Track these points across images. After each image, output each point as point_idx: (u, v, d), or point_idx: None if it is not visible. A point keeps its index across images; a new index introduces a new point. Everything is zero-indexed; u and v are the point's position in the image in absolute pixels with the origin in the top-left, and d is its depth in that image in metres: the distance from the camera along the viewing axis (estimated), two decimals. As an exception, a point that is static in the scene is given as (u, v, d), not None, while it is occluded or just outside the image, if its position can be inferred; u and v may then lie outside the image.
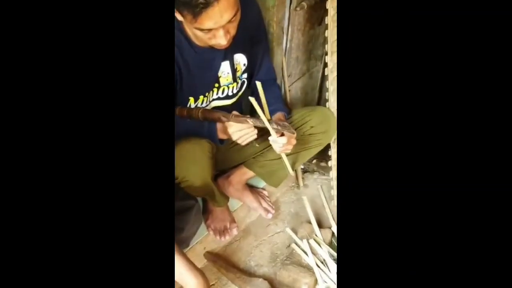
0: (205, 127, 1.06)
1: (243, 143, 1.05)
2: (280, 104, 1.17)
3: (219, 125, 1.06)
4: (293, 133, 1.01)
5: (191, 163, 1.02)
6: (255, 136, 1.04)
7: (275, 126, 1.00)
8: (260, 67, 1.19)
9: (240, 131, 1.01)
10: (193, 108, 1.09)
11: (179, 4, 0.88)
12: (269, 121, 0.99)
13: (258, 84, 0.97)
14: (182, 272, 0.88)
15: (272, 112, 1.09)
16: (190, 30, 0.99)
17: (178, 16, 0.92)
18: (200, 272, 0.88)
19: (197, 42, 1.05)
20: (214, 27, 0.91)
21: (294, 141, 1.06)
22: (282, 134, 1.01)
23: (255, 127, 1.03)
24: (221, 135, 1.06)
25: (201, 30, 0.92)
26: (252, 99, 0.97)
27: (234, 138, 1.02)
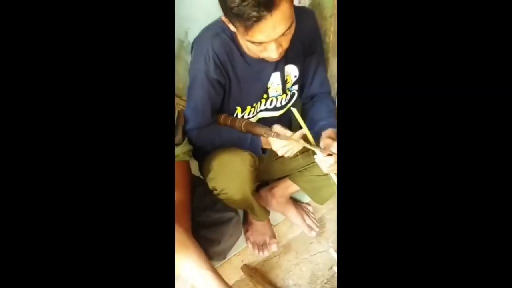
0: (248, 138, 1.03)
1: (287, 155, 1.01)
2: (332, 119, 1.11)
3: (263, 138, 1.02)
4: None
5: (231, 176, 0.99)
6: (298, 149, 1.00)
7: (318, 147, 0.95)
8: (313, 80, 1.15)
9: (284, 147, 0.98)
10: (237, 119, 1.08)
11: (231, 16, 0.87)
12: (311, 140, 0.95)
13: (294, 111, 0.94)
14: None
15: (323, 127, 1.04)
16: (243, 42, 0.98)
17: (231, 26, 0.91)
18: None
19: (249, 53, 1.03)
20: (265, 40, 0.90)
21: None
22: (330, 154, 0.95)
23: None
24: (265, 146, 1.03)
25: (253, 42, 0.91)
26: (294, 110, 0.92)
27: (279, 153, 0.99)
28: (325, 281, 1.18)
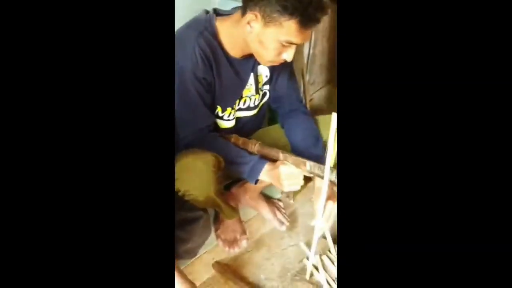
0: (249, 164, 1.03)
1: (286, 189, 1.01)
2: (317, 141, 1.12)
3: (268, 166, 1.01)
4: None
5: (193, 178, 0.99)
6: (299, 187, 0.99)
7: (335, 179, 0.91)
8: (277, 80, 1.16)
9: (291, 174, 0.97)
10: (250, 140, 1.08)
11: (291, 12, 0.88)
12: (331, 168, 0.90)
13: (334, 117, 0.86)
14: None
15: (313, 158, 1.01)
16: (238, 38, 0.99)
17: (252, 23, 0.92)
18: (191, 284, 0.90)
19: (232, 54, 1.04)
20: (300, 43, 0.95)
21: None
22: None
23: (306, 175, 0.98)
24: (264, 176, 1.02)
25: (287, 42, 0.94)
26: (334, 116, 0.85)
27: (282, 177, 0.98)
28: (295, 273, 1.19)
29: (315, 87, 1.47)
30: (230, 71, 1.06)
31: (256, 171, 1.01)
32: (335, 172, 0.90)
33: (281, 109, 1.20)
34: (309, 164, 0.95)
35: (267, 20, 0.91)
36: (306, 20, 0.90)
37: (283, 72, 1.16)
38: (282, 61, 1.00)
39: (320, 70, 1.50)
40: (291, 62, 1.18)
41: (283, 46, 0.96)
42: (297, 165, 0.97)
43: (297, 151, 1.10)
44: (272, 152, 1.03)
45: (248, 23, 0.93)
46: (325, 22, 1.35)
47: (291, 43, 0.95)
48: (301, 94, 1.38)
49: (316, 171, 0.94)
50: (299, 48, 1.30)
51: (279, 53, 0.97)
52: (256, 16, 0.91)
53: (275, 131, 1.22)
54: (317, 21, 0.92)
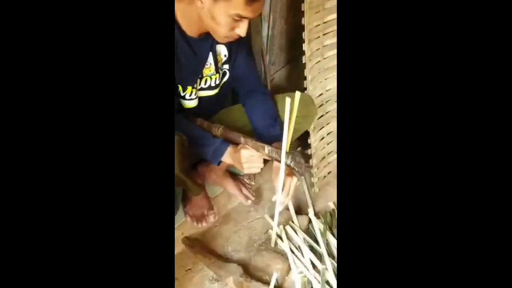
0: (212, 146, 1.08)
1: (246, 171, 1.07)
2: (275, 120, 1.18)
3: (230, 149, 1.07)
4: (301, 176, 1.03)
5: None
6: (260, 169, 1.05)
7: (291, 163, 0.99)
8: (235, 60, 1.21)
9: (251, 157, 1.03)
10: (214, 124, 1.13)
11: None
12: (287, 153, 0.98)
13: (297, 96, 0.96)
14: None
15: (272, 138, 1.10)
16: (194, 14, 1.01)
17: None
18: None
19: (189, 33, 1.07)
20: (251, 17, 0.98)
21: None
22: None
23: (266, 158, 1.04)
24: (226, 159, 1.08)
25: (237, 17, 0.96)
26: (297, 95, 0.96)
27: (242, 161, 1.04)
28: (261, 243, 1.28)
29: (275, 67, 1.54)
30: (188, 50, 1.09)
31: (218, 153, 1.07)
32: (290, 156, 0.99)
33: (241, 89, 1.26)
34: (267, 148, 1.02)
35: None
36: None
37: (241, 52, 1.21)
38: (236, 36, 1.03)
39: (280, 51, 1.55)
40: (249, 43, 1.23)
41: (235, 20, 0.99)
42: (256, 149, 1.04)
43: (257, 131, 1.17)
44: (234, 136, 1.09)
45: None
46: (282, 3, 1.40)
47: (242, 17, 0.98)
48: (262, 75, 1.44)
49: (274, 155, 1.01)
50: (257, 29, 1.36)
51: (232, 28, 1.01)
52: None
53: (238, 110, 1.28)
54: None
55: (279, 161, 0.99)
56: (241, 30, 1.01)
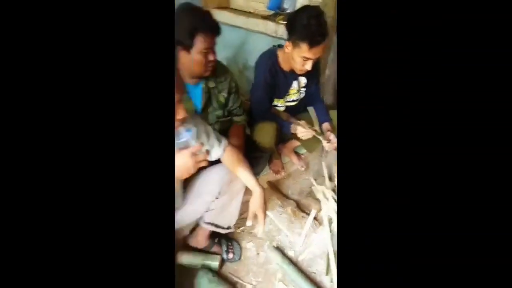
0: (285, 125, 1.60)
1: (302, 138, 1.58)
2: (327, 115, 1.72)
3: (293, 125, 1.58)
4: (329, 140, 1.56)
5: (264, 134, 1.55)
6: (310, 136, 1.55)
7: (322, 136, 1.52)
8: (312, 86, 1.78)
9: (302, 132, 1.54)
10: (282, 112, 1.69)
11: (302, 38, 1.31)
12: (316, 131, 1.53)
13: (310, 111, 1.54)
14: (250, 178, 1.11)
15: (323, 121, 1.66)
16: (287, 58, 1.48)
17: (289, 47, 1.41)
18: (261, 186, 1.14)
19: (283, 67, 1.58)
20: (312, 57, 1.38)
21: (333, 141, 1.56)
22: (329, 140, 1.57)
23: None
24: (293, 130, 1.59)
25: (304, 57, 1.37)
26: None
27: (299, 135, 1.55)
28: (307, 192, 1.82)
29: (327, 96, 2.05)
30: (283, 78, 1.61)
31: (287, 128, 1.57)
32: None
33: (311, 101, 1.83)
34: (311, 129, 1.50)
35: (293, 45, 1.37)
36: (313, 42, 1.30)
37: (314, 82, 1.80)
38: (306, 70, 1.44)
39: (333, 85, 2.13)
40: (318, 78, 1.82)
41: (304, 60, 1.38)
42: (304, 126, 1.53)
43: (320, 120, 1.71)
44: (294, 120, 1.59)
45: (286, 47, 1.42)
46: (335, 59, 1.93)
47: (308, 58, 1.36)
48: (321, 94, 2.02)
49: (308, 129, 1.49)
50: (324, 67, 1.93)
51: (303, 65, 1.41)
52: (288, 44, 1.41)
53: (307, 116, 1.89)
54: (319, 42, 1.30)
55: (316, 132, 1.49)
56: (308, 66, 1.41)
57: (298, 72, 1.54)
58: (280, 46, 1.59)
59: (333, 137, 1.55)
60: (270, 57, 1.57)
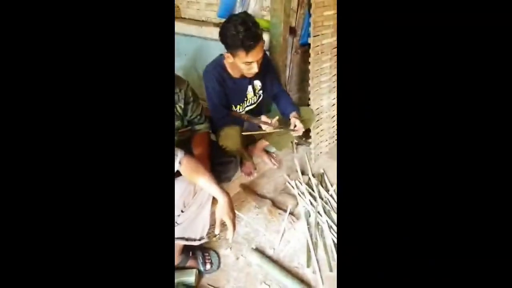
0: (250, 123, 1.62)
1: (267, 130, 1.55)
2: (293, 106, 1.69)
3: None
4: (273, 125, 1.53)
5: (229, 139, 1.56)
6: (273, 128, 1.53)
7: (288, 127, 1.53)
8: (272, 86, 1.78)
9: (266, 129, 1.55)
10: (243, 114, 1.65)
11: (235, 47, 1.32)
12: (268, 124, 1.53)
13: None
14: (212, 186, 1.08)
15: (289, 112, 1.62)
16: (234, 66, 1.48)
17: (229, 58, 1.42)
18: (227, 193, 1.12)
19: (233, 75, 1.58)
20: (254, 60, 1.39)
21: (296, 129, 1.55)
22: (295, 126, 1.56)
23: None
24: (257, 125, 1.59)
25: (246, 63, 1.38)
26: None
27: (264, 127, 1.54)
28: (281, 189, 1.84)
29: (292, 93, 2.01)
30: (234, 85, 1.59)
31: (253, 124, 1.56)
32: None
33: (275, 97, 1.79)
34: (274, 123, 1.48)
35: (232, 54, 1.37)
36: (247, 48, 1.31)
37: (273, 82, 1.79)
38: (254, 73, 1.45)
39: (295, 83, 2.09)
40: (278, 77, 1.80)
41: (247, 64, 1.39)
42: (268, 125, 1.51)
43: (284, 112, 1.66)
44: (255, 120, 1.54)
45: (228, 57, 1.43)
46: (297, 57, 1.94)
47: (250, 62, 1.38)
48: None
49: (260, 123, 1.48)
50: (284, 70, 1.94)
51: (249, 69, 1.42)
52: (227, 55, 1.41)
53: (271, 115, 1.81)
54: (253, 46, 1.31)
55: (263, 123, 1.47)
56: (254, 69, 1.41)
57: (249, 77, 1.54)
58: (221, 55, 1.59)
59: (298, 123, 1.52)
60: (215, 67, 1.57)
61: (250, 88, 1.69)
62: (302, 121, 1.61)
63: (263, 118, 1.51)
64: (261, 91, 1.77)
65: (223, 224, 1.10)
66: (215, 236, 1.51)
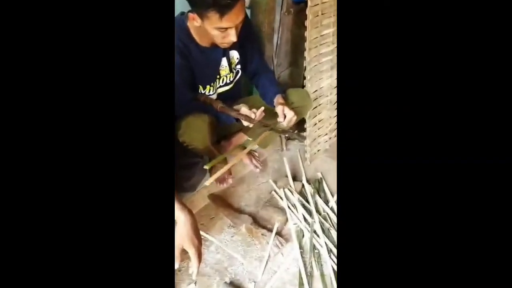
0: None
1: (250, 126, 1.32)
2: (276, 87, 1.44)
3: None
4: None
5: (193, 132, 1.29)
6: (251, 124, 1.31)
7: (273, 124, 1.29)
8: (252, 60, 1.46)
9: (246, 113, 1.27)
10: (215, 100, 1.34)
11: (206, 6, 1.06)
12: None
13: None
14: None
15: (273, 96, 1.36)
16: (202, 31, 1.20)
17: (196, 20, 1.14)
18: (189, 210, 1.03)
19: (201, 43, 1.28)
20: (231, 26, 1.14)
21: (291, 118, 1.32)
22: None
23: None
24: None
25: (220, 29, 1.13)
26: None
27: (245, 122, 1.30)
28: (266, 201, 1.57)
29: (281, 68, 1.79)
30: (202, 57, 1.31)
31: (227, 116, 1.31)
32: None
33: (256, 77, 1.50)
34: (257, 116, 1.25)
35: (200, 17, 1.13)
36: (222, 9, 1.08)
37: (255, 55, 1.46)
38: (231, 42, 1.20)
39: (285, 56, 1.80)
40: (261, 47, 1.49)
41: (222, 31, 1.14)
42: (249, 121, 1.27)
43: (267, 96, 1.42)
44: (231, 112, 1.29)
45: (193, 20, 1.17)
46: (289, 19, 1.66)
47: (225, 28, 1.13)
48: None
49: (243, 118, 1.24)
50: (269, 38, 1.62)
51: (223, 37, 1.17)
52: (193, 16, 1.15)
53: (254, 99, 1.55)
54: (230, 6, 1.07)
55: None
56: (232, 36, 1.16)
57: (222, 46, 1.29)
58: (183, 13, 1.32)
59: (288, 111, 1.30)
60: (175, 31, 1.27)
61: (224, 61, 1.40)
62: (293, 109, 1.37)
63: (243, 109, 1.28)
64: (239, 66, 1.48)
65: (183, 253, 1.01)
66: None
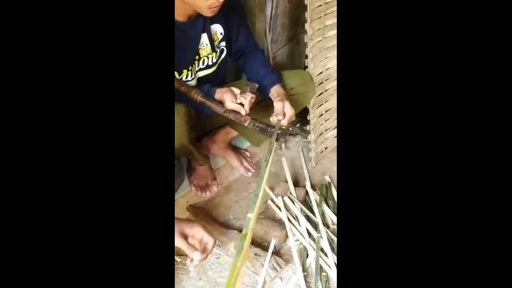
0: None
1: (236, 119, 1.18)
2: (271, 74, 1.26)
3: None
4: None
5: None
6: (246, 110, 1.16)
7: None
8: (238, 35, 1.27)
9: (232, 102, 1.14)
10: (193, 89, 1.19)
11: None
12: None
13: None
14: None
15: (268, 86, 1.19)
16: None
17: None
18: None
19: (177, 18, 1.12)
20: None
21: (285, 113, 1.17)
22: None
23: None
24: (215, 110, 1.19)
25: None
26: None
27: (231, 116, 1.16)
28: (260, 212, 1.36)
29: (277, 46, 1.63)
30: (180, 37, 1.14)
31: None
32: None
33: (242, 57, 1.33)
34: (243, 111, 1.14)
35: None
36: None
37: (242, 30, 1.27)
38: (218, 3, 1.07)
39: (282, 29, 1.65)
40: (245, 21, 1.32)
41: None
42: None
43: (257, 78, 1.25)
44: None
45: None
46: None
47: None
48: (265, 52, 1.52)
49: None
50: (261, 7, 1.43)
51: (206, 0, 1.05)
52: None
53: (240, 85, 1.34)
54: None
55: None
56: None
57: (207, 13, 1.12)
58: None
59: (288, 110, 1.16)
60: None
61: (204, 37, 1.23)
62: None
63: (228, 102, 1.18)
64: (223, 43, 1.29)
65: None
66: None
